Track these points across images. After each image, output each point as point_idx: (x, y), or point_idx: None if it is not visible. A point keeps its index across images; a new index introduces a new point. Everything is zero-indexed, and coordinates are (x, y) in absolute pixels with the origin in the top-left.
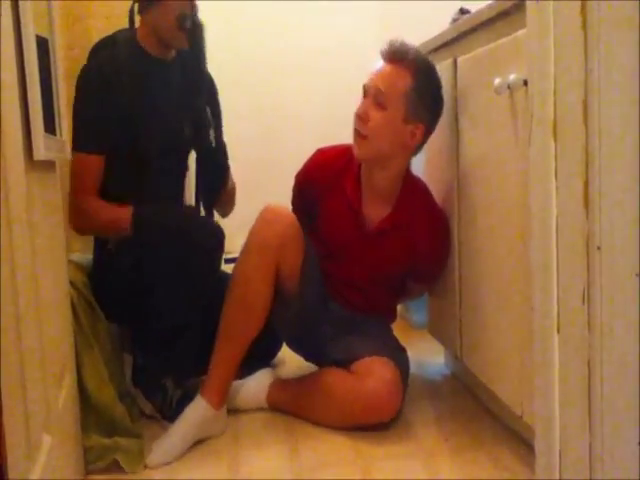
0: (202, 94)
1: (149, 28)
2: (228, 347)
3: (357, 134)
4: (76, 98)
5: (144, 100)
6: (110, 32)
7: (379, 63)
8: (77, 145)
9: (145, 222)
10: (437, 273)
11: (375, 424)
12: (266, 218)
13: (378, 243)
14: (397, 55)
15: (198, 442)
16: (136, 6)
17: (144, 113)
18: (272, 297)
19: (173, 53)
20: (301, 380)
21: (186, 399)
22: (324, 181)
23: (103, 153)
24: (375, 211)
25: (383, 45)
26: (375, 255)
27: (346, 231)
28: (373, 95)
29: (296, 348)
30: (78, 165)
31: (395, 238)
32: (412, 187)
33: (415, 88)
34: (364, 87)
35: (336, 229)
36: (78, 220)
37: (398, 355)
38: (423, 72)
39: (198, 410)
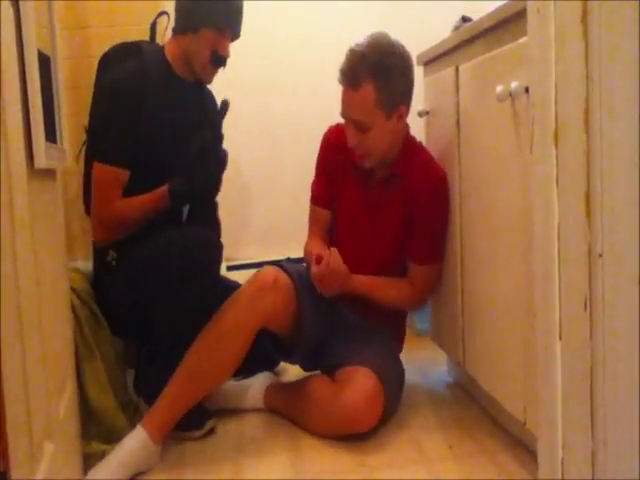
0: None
1: (180, 50)
2: (186, 388)
3: (358, 156)
4: (104, 106)
5: (167, 119)
6: (110, 41)
7: (343, 87)
8: (104, 156)
9: (181, 192)
10: (436, 243)
11: (352, 434)
12: (260, 285)
13: (380, 195)
14: (351, 78)
15: (194, 452)
16: (159, 20)
17: (165, 131)
18: (244, 356)
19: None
20: (294, 385)
21: None
22: (341, 157)
23: (128, 167)
24: (380, 172)
25: (340, 72)
26: (378, 209)
27: (356, 194)
28: (353, 125)
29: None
30: (104, 176)
31: (394, 189)
32: (411, 147)
33: (382, 91)
34: (344, 119)
35: (348, 197)
36: (114, 228)
37: (388, 366)
38: (381, 71)
39: (138, 444)
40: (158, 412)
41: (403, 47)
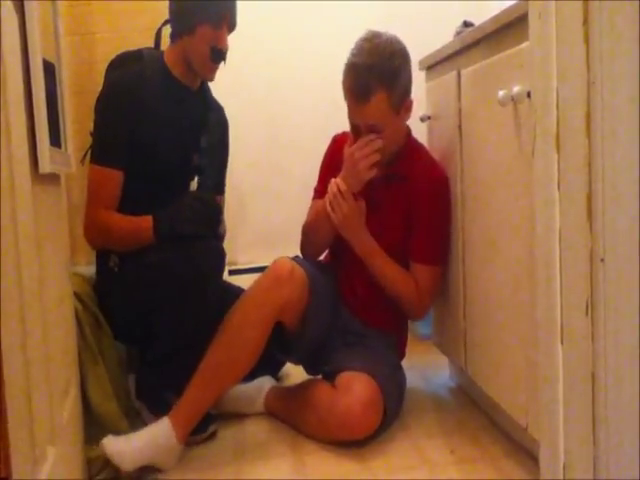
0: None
1: (180, 55)
2: (206, 387)
3: None
4: (101, 109)
5: (164, 123)
6: (114, 47)
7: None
8: (98, 158)
9: (167, 230)
10: (437, 243)
11: (350, 441)
12: (277, 276)
13: (381, 195)
14: (362, 92)
15: (196, 456)
16: (164, 29)
17: (161, 135)
18: (263, 348)
19: (198, 82)
20: (293, 389)
21: None
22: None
23: (123, 169)
24: (380, 171)
25: (348, 88)
26: (379, 209)
27: (357, 194)
28: (368, 130)
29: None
30: (97, 178)
31: (395, 189)
32: (413, 148)
33: (392, 94)
34: (354, 126)
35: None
36: (98, 235)
37: (388, 372)
38: (390, 77)
39: (163, 434)
40: (182, 410)
41: (395, 38)
